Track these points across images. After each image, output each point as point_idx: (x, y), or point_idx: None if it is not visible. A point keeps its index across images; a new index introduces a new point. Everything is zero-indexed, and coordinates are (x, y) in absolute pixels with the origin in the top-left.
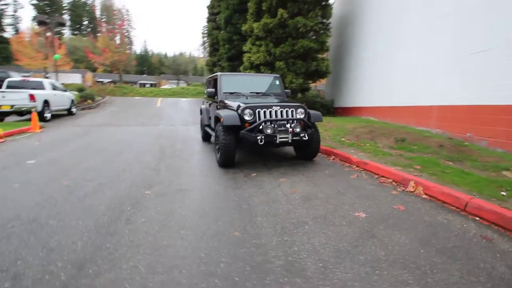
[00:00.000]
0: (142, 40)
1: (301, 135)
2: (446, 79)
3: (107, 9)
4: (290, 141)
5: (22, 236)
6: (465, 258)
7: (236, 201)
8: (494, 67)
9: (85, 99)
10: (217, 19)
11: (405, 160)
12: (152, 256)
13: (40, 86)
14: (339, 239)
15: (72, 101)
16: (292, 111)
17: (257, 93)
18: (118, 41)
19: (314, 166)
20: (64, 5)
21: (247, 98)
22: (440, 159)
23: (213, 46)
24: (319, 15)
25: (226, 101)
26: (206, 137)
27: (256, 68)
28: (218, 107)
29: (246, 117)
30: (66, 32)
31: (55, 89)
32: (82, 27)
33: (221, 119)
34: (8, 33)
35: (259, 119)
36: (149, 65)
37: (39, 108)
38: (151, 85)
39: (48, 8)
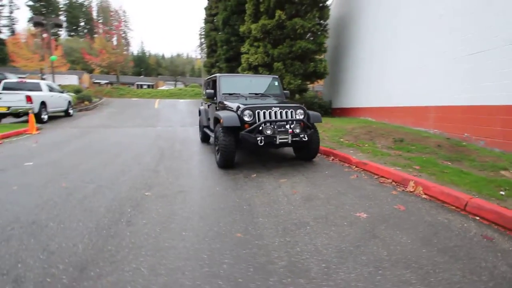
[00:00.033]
0: (139, 41)
1: (301, 136)
2: (443, 80)
3: (104, 10)
4: (289, 142)
5: (22, 239)
6: (467, 257)
7: (237, 202)
8: (491, 67)
9: (82, 100)
10: (215, 21)
11: (404, 160)
12: (154, 258)
13: (37, 88)
14: (341, 240)
15: (69, 102)
16: (291, 112)
17: (256, 94)
18: (115, 42)
19: (314, 166)
20: (60, 6)
21: (246, 99)
22: (439, 159)
23: (211, 47)
24: (317, 16)
25: (225, 102)
26: (205, 138)
27: (254, 69)
28: (217, 108)
29: (246, 118)
30: (63, 33)
31: (52, 90)
32: (78, 28)
33: (221, 120)
34: (4, 34)
35: (259, 120)
36: (146, 66)
37: (36, 110)
38: (149, 86)
39: (44, 9)
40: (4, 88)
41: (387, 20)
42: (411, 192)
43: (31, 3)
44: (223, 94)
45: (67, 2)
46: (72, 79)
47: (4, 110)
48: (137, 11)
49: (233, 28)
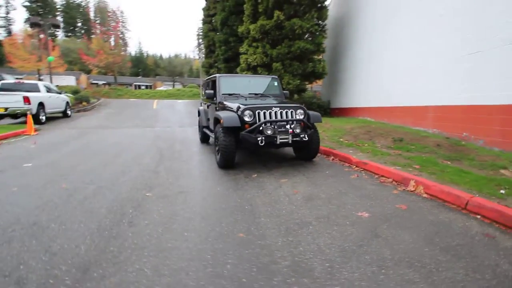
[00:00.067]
0: (137, 41)
1: (301, 135)
2: (443, 80)
3: (102, 10)
4: (290, 142)
5: (24, 240)
6: (469, 256)
7: (238, 202)
8: (491, 67)
9: (80, 101)
10: (213, 21)
11: (404, 160)
12: (157, 258)
13: (34, 89)
14: (344, 239)
15: (67, 103)
16: (291, 112)
17: (255, 94)
18: (112, 43)
19: (314, 166)
20: (57, 6)
21: (246, 99)
22: (438, 158)
23: (209, 47)
24: (315, 17)
25: (225, 103)
26: (204, 139)
27: (253, 69)
28: (217, 108)
29: (246, 118)
30: (60, 34)
31: (49, 91)
32: (76, 29)
33: (221, 121)
34: (1, 35)
35: (259, 120)
36: (144, 67)
37: (34, 111)
38: (146, 86)
39: (41, 10)
40: (2, 89)
41: (386, 20)
42: (411, 191)
43: (27, 3)
44: (222, 94)
45: (64, 2)
46: (69, 80)
47: (1, 111)
48: (135, 11)
49: (231, 28)
